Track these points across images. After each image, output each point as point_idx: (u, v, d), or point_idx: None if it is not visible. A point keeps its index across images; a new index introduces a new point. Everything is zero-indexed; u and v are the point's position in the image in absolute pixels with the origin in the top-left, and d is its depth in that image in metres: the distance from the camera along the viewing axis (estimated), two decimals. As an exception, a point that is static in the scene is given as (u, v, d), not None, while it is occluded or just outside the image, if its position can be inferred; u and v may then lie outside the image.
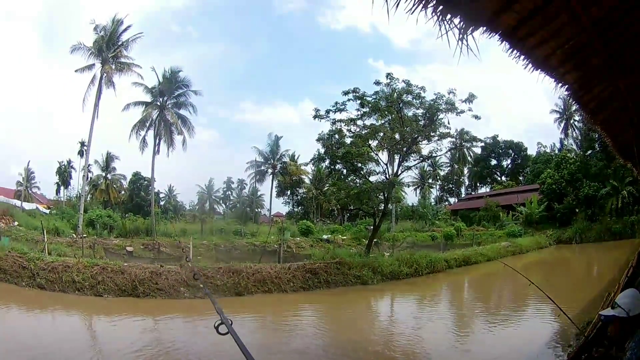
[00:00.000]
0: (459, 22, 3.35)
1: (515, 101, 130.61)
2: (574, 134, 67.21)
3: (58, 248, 28.81)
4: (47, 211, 55.07)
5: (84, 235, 33.85)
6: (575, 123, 65.62)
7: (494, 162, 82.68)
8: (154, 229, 42.26)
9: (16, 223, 38.32)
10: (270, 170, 68.69)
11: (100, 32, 40.29)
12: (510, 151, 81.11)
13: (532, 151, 78.09)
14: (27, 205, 56.52)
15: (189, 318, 18.71)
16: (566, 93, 5.11)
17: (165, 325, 17.77)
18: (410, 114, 28.08)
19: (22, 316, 18.67)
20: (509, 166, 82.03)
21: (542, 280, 27.92)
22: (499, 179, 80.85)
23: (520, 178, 75.63)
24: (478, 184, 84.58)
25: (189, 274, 22.18)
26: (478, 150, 76.58)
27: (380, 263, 25.99)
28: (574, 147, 61.32)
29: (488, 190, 77.46)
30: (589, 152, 50.15)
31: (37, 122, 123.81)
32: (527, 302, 20.96)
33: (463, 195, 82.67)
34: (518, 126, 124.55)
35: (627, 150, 8.20)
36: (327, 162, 30.77)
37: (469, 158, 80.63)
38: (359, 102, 27.47)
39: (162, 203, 72.75)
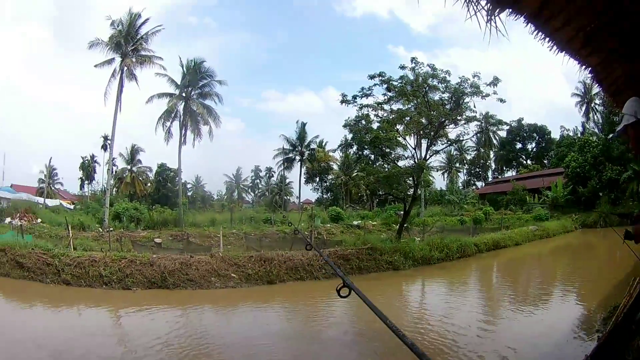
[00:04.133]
0: (486, 4, 3.35)
1: (535, 85, 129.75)
2: (595, 118, 66.61)
3: (84, 243, 28.79)
4: (72, 207, 55.82)
5: (111, 229, 33.76)
6: (596, 106, 65.39)
7: (519, 145, 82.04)
8: (182, 219, 42.30)
9: (39, 220, 38.20)
10: (298, 157, 68.87)
11: (117, 26, 40.19)
12: (535, 134, 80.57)
13: (555, 135, 77.41)
14: (51, 202, 57.02)
15: (220, 308, 18.65)
16: (589, 75, 4.92)
17: (196, 316, 17.54)
18: (436, 97, 27.71)
19: (48, 313, 18.52)
20: (534, 149, 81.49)
21: (569, 264, 27.82)
22: (525, 162, 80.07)
23: (545, 161, 75.13)
24: (504, 168, 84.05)
25: (219, 264, 22.11)
26: (503, 134, 76.31)
27: (411, 248, 25.59)
28: (596, 130, 60.26)
29: (514, 173, 76.66)
30: (611, 135, 49.61)
31: (57, 119, 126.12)
32: (553, 287, 21.18)
33: (490, 179, 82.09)
34: (539, 110, 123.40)
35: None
36: (354, 148, 30.64)
37: (494, 141, 79.90)
38: (385, 86, 27.20)
39: (189, 194, 73.11)
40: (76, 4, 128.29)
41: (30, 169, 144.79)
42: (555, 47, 4.04)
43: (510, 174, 79.93)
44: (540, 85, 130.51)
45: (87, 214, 44.58)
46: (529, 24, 3.65)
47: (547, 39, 3.90)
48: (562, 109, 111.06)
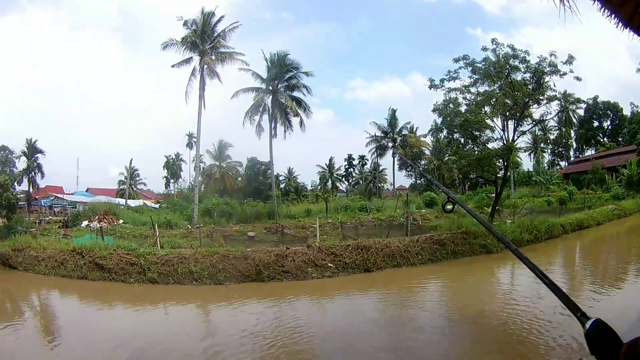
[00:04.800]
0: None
1: (601, 62, 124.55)
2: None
3: (171, 241, 29.31)
4: (156, 206, 57.70)
5: (201, 225, 34.30)
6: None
7: (595, 123, 79.52)
8: (277, 211, 43.03)
9: (121, 221, 39.63)
10: (390, 144, 69.06)
11: (191, 26, 40.93)
12: (609, 112, 77.76)
13: (627, 112, 74.69)
14: (133, 203, 58.96)
15: (316, 298, 18.67)
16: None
17: (288, 307, 17.65)
18: (518, 78, 27.47)
19: (130, 312, 18.75)
20: (609, 127, 78.59)
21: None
22: (602, 140, 77.31)
23: (620, 139, 72.13)
24: (584, 147, 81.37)
25: (316, 254, 22.36)
26: (581, 112, 74.57)
27: (503, 230, 25.20)
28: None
29: (593, 152, 74.51)
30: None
31: (134, 121, 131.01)
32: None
33: (572, 159, 79.67)
34: (609, 87, 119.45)
35: None
36: (444, 132, 30.71)
37: (574, 120, 77.67)
38: (470, 69, 27.33)
39: (282, 186, 73.40)
40: (139, 9, 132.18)
41: (107, 172, 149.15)
42: (620, 24, 3.98)
43: (589, 152, 77.68)
44: (607, 63, 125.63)
45: (174, 212, 45.65)
46: (596, 1, 3.70)
47: (612, 15, 3.87)
48: (630, 86, 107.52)
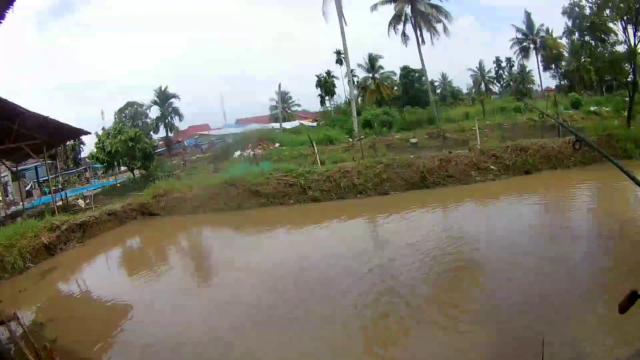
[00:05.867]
0: None
1: None
2: None
3: (333, 156, 29.62)
4: (314, 124, 56.89)
5: (362, 137, 34.00)
6: None
7: None
8: (436, 116, 43.00)
9: (277, 145, 40.43)
10: (532, 46, 68.54)
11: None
12: None
13: None
14: (289, 125, 58.71)
15: (481, 202, 19.09)
16: None
17: (454, 213, 17.90)
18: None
19: (290, 234, 18.98)
20: None
21: None
22: None
23: None
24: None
25: (478, 157, 22.93)
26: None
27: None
28: None
29: None
30: None
31: (278, 49, 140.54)
32: None
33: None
34: None
35: None
36: (576, 34, 30.42)
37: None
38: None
39: (438, 91, 73.24)
40: None
41: (256, 102, 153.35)
42: None
43: None
44: None
45: (333, 127, 46.38)
46: None
47: None
48: None
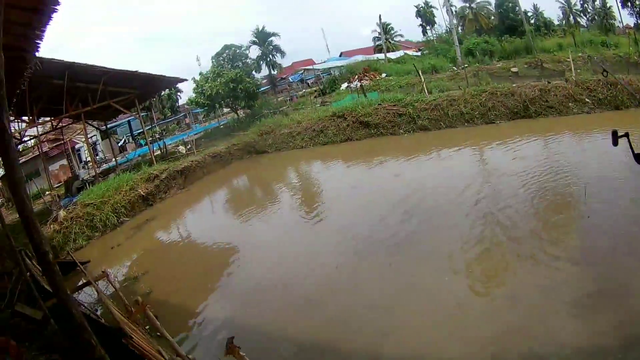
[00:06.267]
0: None
1: None
2: None
3: (438, 84, 29.35)
4: (418, 53, 55.93)
5: (465, 66, 34.44)
6: None
7: None
8: (533, 46, 41.61)
9: (384, 75, 39.84)
10: None
11: None
12: None
13: None
14: (393, 55, 56.80)
15: (577, 135, 18.65)
16: None
17: (554, 145, 17.52)
18: None
19: (399, 164, 19.22)
20: None
21: None
22: None
23: None
24: None
25: (574, 89, 22.55)
26: None
27: None
28: None
29: None
30: None
31: None
32: None
33: None
34: None
35: None
36: None
37: None
38: None
39: (532, 21, 72.92)
40: None
41: (358, 34, 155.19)
42: None
43: None
44: None
45: (437, 56, 45.45)
46: None
47: None
48: None
